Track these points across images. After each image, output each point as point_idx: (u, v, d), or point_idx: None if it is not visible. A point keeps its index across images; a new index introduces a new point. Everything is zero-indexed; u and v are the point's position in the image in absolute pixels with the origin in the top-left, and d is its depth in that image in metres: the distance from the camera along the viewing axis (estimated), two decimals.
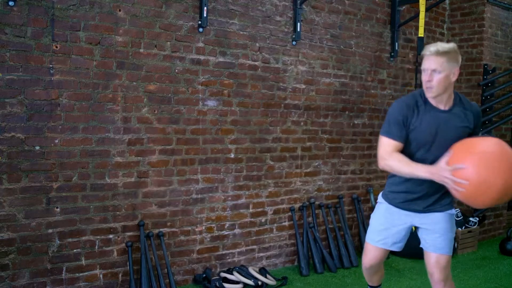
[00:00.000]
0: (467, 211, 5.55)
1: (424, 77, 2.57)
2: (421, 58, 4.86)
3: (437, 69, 2.52)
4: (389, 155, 2.63)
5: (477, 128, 2.72)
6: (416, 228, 2.86)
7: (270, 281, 4.06)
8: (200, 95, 3.99)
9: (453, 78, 2.57)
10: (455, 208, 2.82)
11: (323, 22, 4.73)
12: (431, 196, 2.72)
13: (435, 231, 2.75)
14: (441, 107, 2.64)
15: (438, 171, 2.47)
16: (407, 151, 2.66)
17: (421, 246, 2.83)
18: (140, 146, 3.71)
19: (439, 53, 2.52)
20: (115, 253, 3.64)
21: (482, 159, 2.40)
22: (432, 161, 2.59)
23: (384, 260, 3.01)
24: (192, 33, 3.92)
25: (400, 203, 2.79)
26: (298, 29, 4.49)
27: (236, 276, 4.00)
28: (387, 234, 2.86)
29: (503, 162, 2.39)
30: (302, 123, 4.64)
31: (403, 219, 2.81)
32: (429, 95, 2.59)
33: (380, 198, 2.94)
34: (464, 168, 2.38)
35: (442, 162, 2.48)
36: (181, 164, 3.92)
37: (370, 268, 3.00)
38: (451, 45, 2.58)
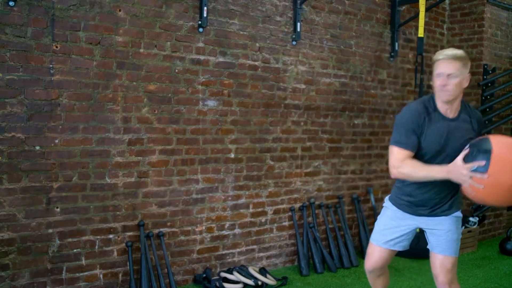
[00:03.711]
0: (467, 211, 5.55)
1: (440, 81, 2.55)
2: (420, 59, 4.82)
3: (454, 73, 2.52)
4: (401, 162, 2.59)
5: (479, 134, 2.73)
6: (422, 229, 2.87)
7: (270, 281, 4.06)
8: (200, 95, 3.99)
9: (465, 84, 2.58)
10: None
11: (323, 22, 4.73)
12: (435, 200, 2.72)
13: (439, 232, 2.76)
14: (450, 115, 2.64)
15: (455, 169, 2.44)
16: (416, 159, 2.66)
17: (428, 247, 2.84)
18: (140, 146, 3.71)
19: (456, 58, 2.53)
20: (115, 253, 3.64)
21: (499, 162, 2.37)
22: None
23: (387, 264, 2.98)
24: (192, 33, 3.92)
25: (406, 207, 2.80)
26: (298, 29, 4.49)
27: (236, 276, 4.00)
28: (390, 234, 2.86)
29: None
30: (302, 123, 4.64)
31: (408, 222, 2.82)
32: (445, 98, 2.57)
33: (386, 202, 2.95)
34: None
35: (459, 159, 2.46)
36: (181, 164, 3.92)
37: (372, 271, 2.98)
38: (463, 52, 2.60)
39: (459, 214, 2.80)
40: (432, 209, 2.76)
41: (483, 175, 2.35)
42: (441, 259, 2.74)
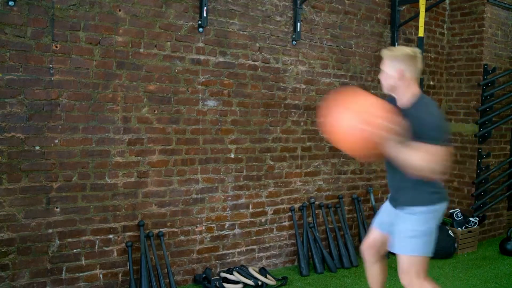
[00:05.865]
0: (467, 211, 5.56)
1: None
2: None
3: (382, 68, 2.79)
4: None
5: (419, 135, 2.55)
6: None
7: (270, 281, 4.06)
8: (200, 95, 3.99)
9: (398, 79, 2.70)
10: (428, 206, 2.73)
11: (323, 22, 4.73)
12: (397, 185, 2.82)
13: (396, 228, 2.81)
14: (403, 105, 2.75)
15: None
16: None
17: None
18: (140, 146, 3.71)
19: (384, 56, 2.79)
20: (115, 253, 3.64)
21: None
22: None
23: (379, 249, 3.03)
24: (192, 33, 3.92)
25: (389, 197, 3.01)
26: (298, 29, 4.49)
27: (236, 276, 4.00)
28: (380, 216, 3.03)
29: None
30: (302, 123, 4.64)
31: (392, 212, 2.90)
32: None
33: None
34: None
35: None
36: (181, 164, 3.92)
37: (366, 253, 3.07)
38: (392, 49, 2.89)
39: (420, 209, 2.71)
40: (395, 197, 2.84)
41: None
42: (397, 258, 2.80)
